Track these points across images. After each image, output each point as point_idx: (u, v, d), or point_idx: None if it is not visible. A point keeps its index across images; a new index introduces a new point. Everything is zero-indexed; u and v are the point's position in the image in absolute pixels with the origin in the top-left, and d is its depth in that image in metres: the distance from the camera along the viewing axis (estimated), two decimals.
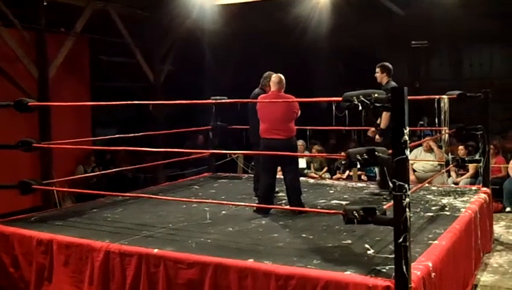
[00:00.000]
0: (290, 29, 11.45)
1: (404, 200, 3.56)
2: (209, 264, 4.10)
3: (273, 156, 5.64)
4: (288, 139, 5.73)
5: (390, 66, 6.56)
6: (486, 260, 6.11)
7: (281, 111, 5.72)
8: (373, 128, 6.66)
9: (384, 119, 6.26)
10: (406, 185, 3.56)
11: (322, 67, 13.51)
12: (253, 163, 7.34)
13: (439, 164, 8.91)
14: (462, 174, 9.27)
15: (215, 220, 5.44)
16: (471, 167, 8.84)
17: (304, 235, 4.86)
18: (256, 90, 6.61)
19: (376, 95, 3.75)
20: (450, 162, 7.08)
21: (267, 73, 6.57)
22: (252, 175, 8.47)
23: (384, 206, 3.87)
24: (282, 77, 5.86)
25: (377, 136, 6.46)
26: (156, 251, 4.35)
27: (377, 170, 9.86)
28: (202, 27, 10.71)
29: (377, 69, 6.59)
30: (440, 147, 8.74)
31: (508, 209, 8.71)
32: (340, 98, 3.96)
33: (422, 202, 6.15)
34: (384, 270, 3.80)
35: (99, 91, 10.74)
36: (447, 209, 5.80)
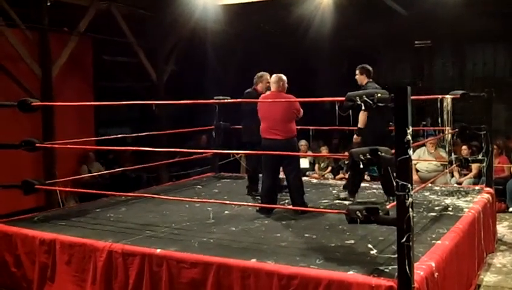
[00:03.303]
0: (292, 29, 11.44)
1: (407, 200, 3.55)
2: (212, 264, 4.11)
3: (274, 156, 5.64)
4: (288, 140, 5.71)
5: (369, 67, 6.44)
6: (490, 260, 6.10)
7: (280, 111, 5.72)
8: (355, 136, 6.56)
9: (361, 118, 6.25)
10: (409, 185, 3.56)
11: (324, 67, 13.49)
12: (246, 162, 7.30)
13: (442, 164, 8.89)
14: (465, 174, 9.25)
15: (218, 219, 5.44)
16: (474, 167, 8.82)
17: (306, 234, 4.86)
18: (248, 89, 6.78)
19: (379, 95, 3.75)
20: (453, 162, 7.06)
21: (260, 73, 6.71)
22: None
23: (387, 206, 3.87)
24: (283, 76, 5.85)
25: (355, 136, 6.37)
26: (158, 250, 4.36)
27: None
28: (205, 27, 10.70)
29: (357, 71, 6.49)
30: (442, 148, 8.73)
31: (511, 209, 8.69)
32: (343, 98, 3.96)
33: (426, 202, 6.15)
34: (387, 270, 3.80)
35: (102, 91, 10.75)
36: (450, 209, 5.79)
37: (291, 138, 5.81)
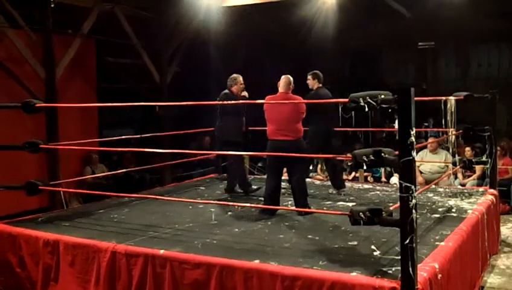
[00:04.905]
0: (295, 30, 11.46)
1: (411, 201, 3.55)
2: (215, 265, 4.10)
3: (280, 157, 5.63)
4: (296, 140, 5.72)
5: (320, 73, 6.94)
6: (493, 262, 6.08)
7: (288, 112, 5.72)
8: None
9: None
10: (413, 187, 3.55)
11: (327, 68, 13.45)
12: (231, 161, 7.19)
13: (446, 165, 8.87)
14: (469, 176, 9.23)
15: (221, 221, 5.44)
16: (478, 168, 8.79)
17: (310, 236, 4.85)
18: (225, 91, 6.85)
19: (382, 96, 3.73)
20: (457, 164, 7.04)
21: (234, 75, 6.76)
22: (258, 176, 8.49)
23: (391, 207, 3.86)
24: (290, 77, 5.87)
25: None
26: (162, 251, 4.36)
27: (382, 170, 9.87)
28: (208, 28, 10.72)
29: (309, 77, 6.96)
30: (447, 149, 8.71)
31: None
32: (346, 99, 3.95)
33: (429, 204, 6.13)
34: (391, 271, 3.79)
35: (105, 92, 10.77)
36: (453, 210, 5.78)
37: (300, 139, 5.83)
